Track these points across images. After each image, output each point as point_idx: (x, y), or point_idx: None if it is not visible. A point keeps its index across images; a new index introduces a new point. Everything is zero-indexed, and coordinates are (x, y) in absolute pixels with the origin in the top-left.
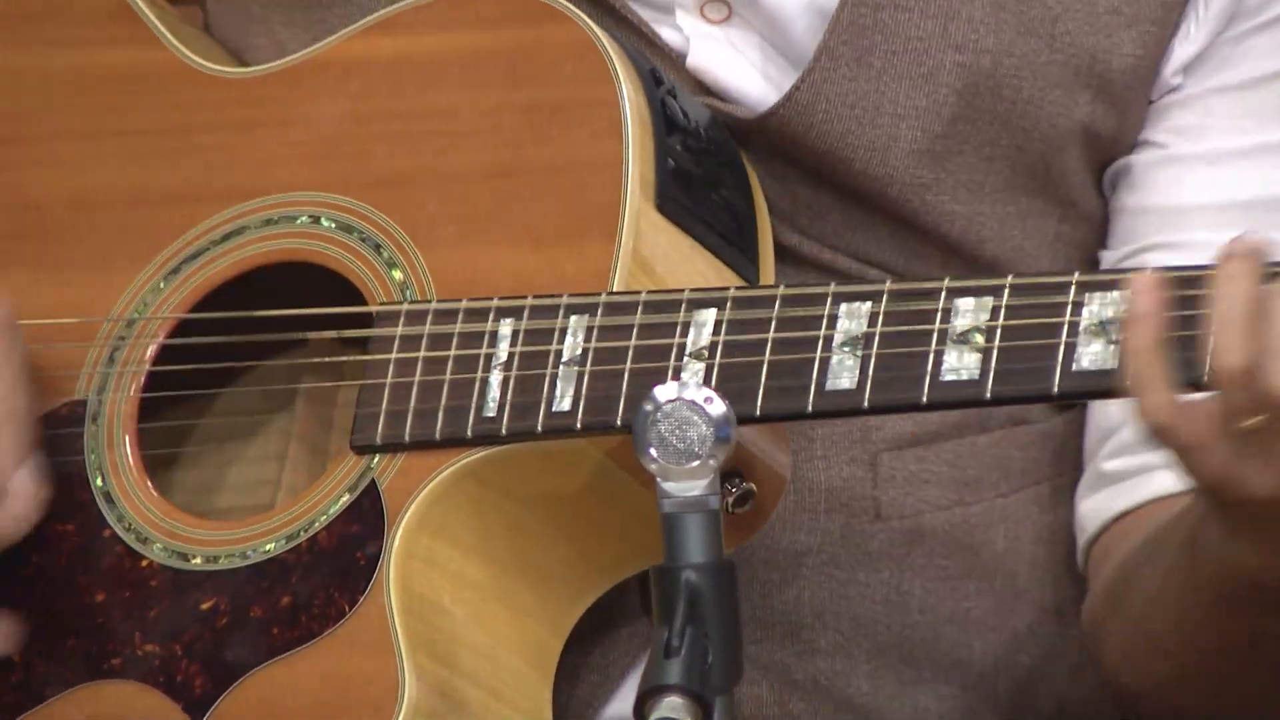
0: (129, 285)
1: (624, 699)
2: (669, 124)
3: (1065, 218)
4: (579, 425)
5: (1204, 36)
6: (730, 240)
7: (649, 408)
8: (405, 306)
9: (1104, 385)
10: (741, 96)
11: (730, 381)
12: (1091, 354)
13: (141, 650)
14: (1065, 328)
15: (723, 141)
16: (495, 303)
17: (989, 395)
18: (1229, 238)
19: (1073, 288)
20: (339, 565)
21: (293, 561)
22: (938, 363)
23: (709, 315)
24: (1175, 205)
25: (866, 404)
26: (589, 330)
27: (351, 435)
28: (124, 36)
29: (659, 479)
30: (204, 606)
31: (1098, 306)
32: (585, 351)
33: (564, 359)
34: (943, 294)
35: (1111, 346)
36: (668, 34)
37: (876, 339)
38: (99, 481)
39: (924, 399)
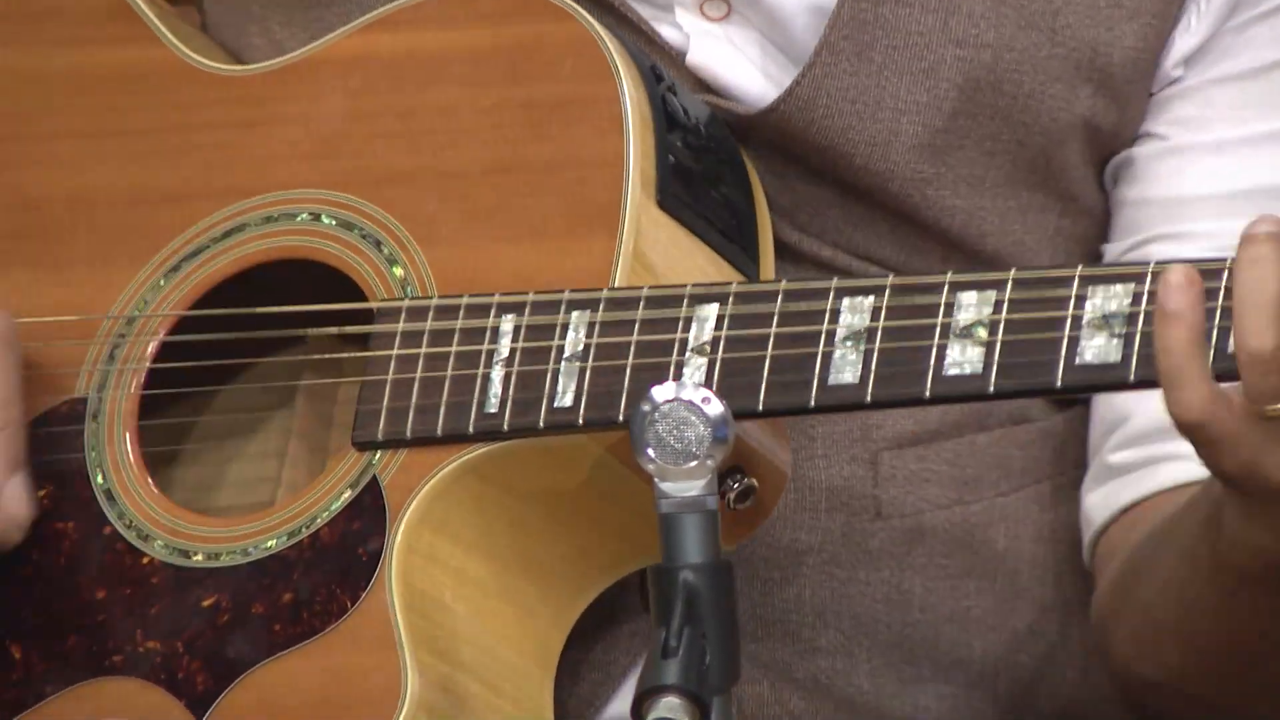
0: (129, 283)
1: (626, 698)
2: (669, 120)
3: (1066, 212)
4: (581, 421)
5: (1205, 28)
6: (731, 237)
7: (646, 408)
8: (406, 303)
9: (1107, 379)
10: (741, 94)
11: (732, 376)
12: (1094, 347)
13: (143, 647)
14: (1068, 321)
15: (722, 138)
16: (497, 298)
17: (992, 389)
18: (1232, 227)
19: (1075, 281)
20: (341, 562)
21: (294, 558)
22: (941, 357)
23: (711, 310)
24: (1177, 196)
25: (869, 398)
26: (591, 326)
27: (353, 431)
28: (124, 35)
29: (656, 479)
30: (205, 603)
31: (1100, 300)
32: (587, 347)
33: (566, 355)
34: (945, 288)
35: (1115, 340)
36: (667, 32)
37: (879, 333)
38: (99, 479)
39: (927, 393)
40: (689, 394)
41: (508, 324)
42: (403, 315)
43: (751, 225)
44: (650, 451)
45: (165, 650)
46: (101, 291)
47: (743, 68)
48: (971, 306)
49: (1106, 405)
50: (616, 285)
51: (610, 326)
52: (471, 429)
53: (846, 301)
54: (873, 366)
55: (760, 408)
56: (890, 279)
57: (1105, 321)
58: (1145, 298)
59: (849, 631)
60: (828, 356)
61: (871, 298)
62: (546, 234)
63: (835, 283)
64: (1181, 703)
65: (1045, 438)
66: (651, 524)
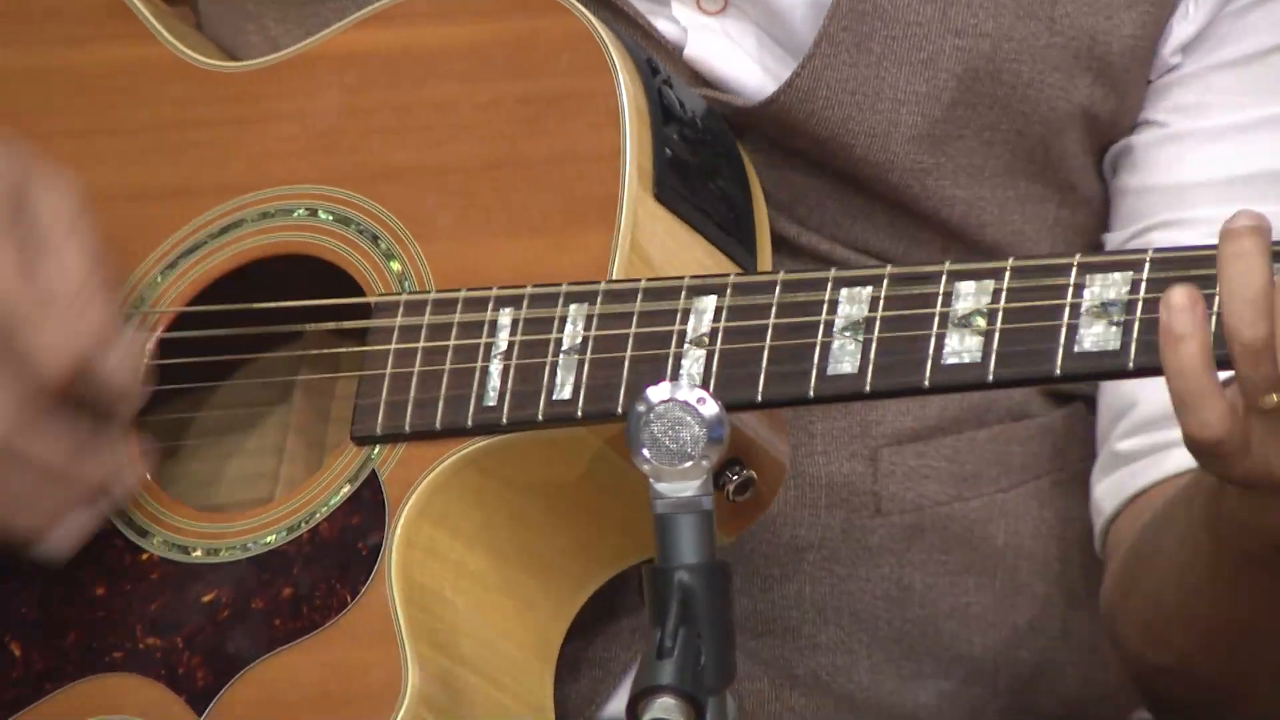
0: (126, 279)
1: (626, 695)
2: (666, 114)
3: (1065, 202)
4: (579, 413)
5: (1203, 15)
6: (728, 230)
7: (641, 408)
8: (404, 297)
9: (1106, 366)
10: (739, 87)
11: (731, 368)
12: (1093, 335)
13: (143, 643)
14: (1067, 309)
15: (719, 132)
16: (494, 292)
17: (991, 378)
18: (1233, 213)
19: (1074, 270)
20: (340, 556)
21: (294, 553)
22: (939, 346)
23: (709, 302)
24: (1177, 183)
25: (868, 388)
26: (589, 318)
27: (352, 426)
28: (120, 33)
29: (652, 480)
30: (205, 599)
31: (1099, 288)
32: (585, 340)
33: (564, 347)
34: (944, 278)
35: (1113, 328)
36: (664, 26)
37: (878, 323)
38: None
39: (926, 382)
40: (684, 394)
41: (505, 317)
42: (400, 310)
43: (748, 218)
44: (645, 452)
45: (165, 646)
46: None
47: (740, 61)
48: (970, 295)
49: (1113, 393)
50: (614, 278)
51: (608, 319)
52: (470, 422)
53: (845, 292)
54: (871, 356)
55: (759, 399)
56: (888, 269)
57: (1104, 309)
58: (1144, 285)
59: (849, 628)
60: (826, 347)
61: (870, 288)
62: (544, 228)
63: (833, 273)
64: (1190, 686)
65: (1044, 433)
66: (650, 517)
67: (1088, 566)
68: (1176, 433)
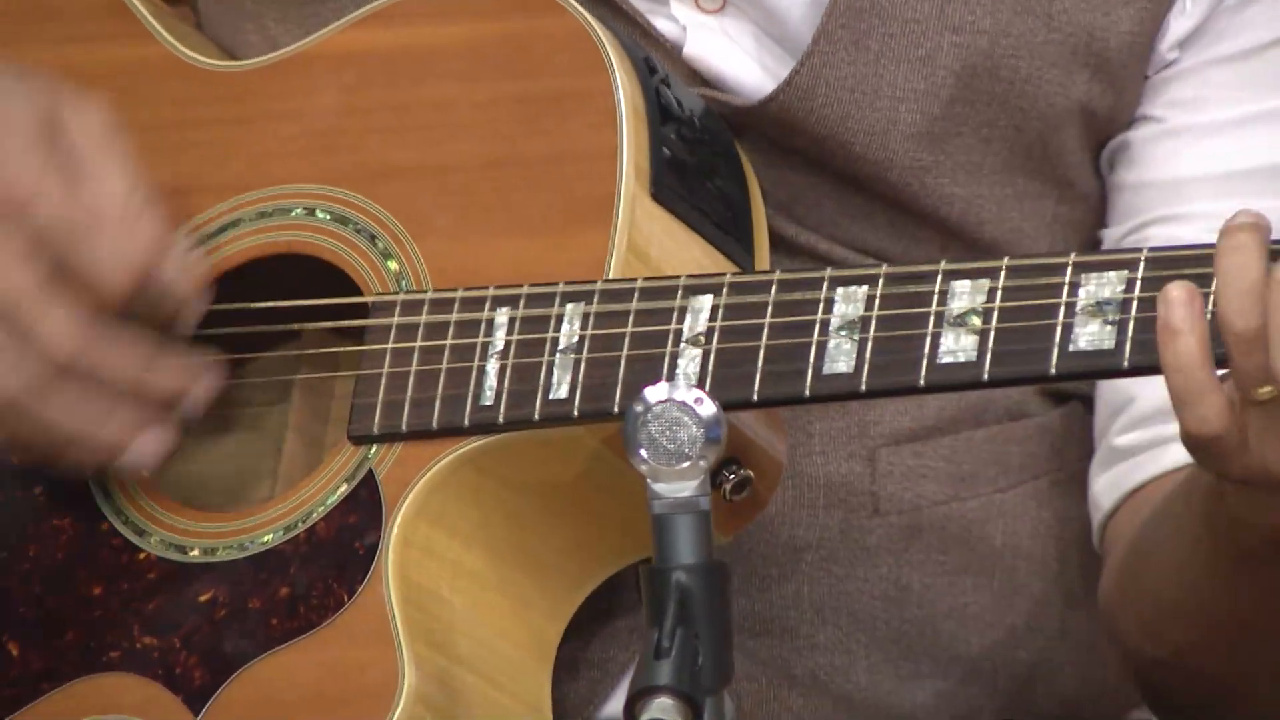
0: None
1: (624, 695)
2: (663, 113)
3: (1063, 198)
4: (576, 413)
5: (1201, 11)
6: (725, 229)
7: (639, 409)
8: (401, 296)
9: (1100, 365)
10: (738, 85)
11: (727, 367)
12: (1088, 334)
13: (140, 643)
14: (1062, 309)
15: (717, 131)
16: (491, 291)
17: (986, 377)
18: (1230, 208)
19: (1069, 269)
20: (337, 555)
21: (291, 552)
22: (935, 345)
23: (705, 301)
24: (1174, 178)
25: (864, 387)
26: (585, 317)
27: (349, 425)
28: (118, 33)
29: (649, 480)
30: (202, 598)
31: (1094, 287)
32: (582, 339)
33: (560, 347)
34: (939, 277)
35: (1108, 327)
36: (663, 24)
37: (873, 322)
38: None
39: (921, 381)
40: (681, 395)
41: (502, 317)
42: (397, 309)
43: (746, 217)
44: (643, 452)
45: (162, 646)
46: None
47: (739, 59)
48: (965, 294)
49: (1111, 388)
50: (610, 277)
51: (605, 318)
52: (467, 422)
53: (840, 291)
54: (867, 355)
55: (755, 398)
56: (884, 268)
57: (1099, 308)
58: (1138, 284)
59: (847, 628)
60: (822, 346)
61: (865, 287)
62: (541, 227)
63: (829, 272)
64: (1189, 682)
65: (1042, 433)
66: (647, 516)
67: (1086, 566)
68: (1174, 428)
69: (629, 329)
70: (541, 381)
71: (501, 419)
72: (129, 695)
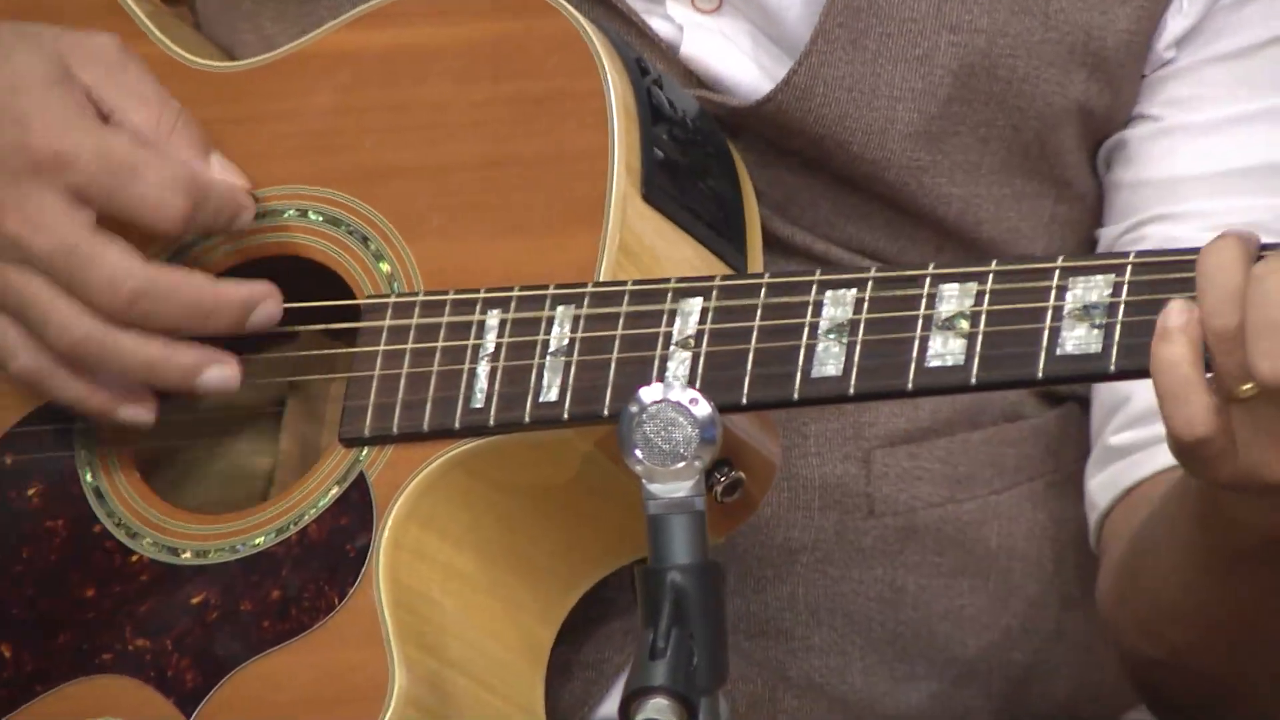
0: None
1: (618, 697)
2: (655, 114)
3: (1061, 198)
4: (566, 416)
5: (1198, 10)
6: (718, 230)
7: (634, 409)
8: (392, 299)
9: (1087, 369)
10: (734, 86)
11: (716, 370)
12: (1075, 338)
13: (132, 645)
14: (1049, 312)
15: (710, 131)
16: (482, 294)
17: (974, 381)
18: (1227, 206)
19: (1056, 272)
20: (328, 558)
21: (282, 555)
22: (923, 349)
23: (695, 304)
24: (1171, 176)
25: (852, 391)
26: (576, 320)
27: (340, 428)
28: (116, 33)
29: (644, 480)
30: (194, 601)
31: (1081, 291)
32: (572, 342)
33: (551, 349)
34: (927, 280)
35: (1095, 331)
36: (659, 24)
37: (862, 325)
38: (89, 477)
39: (909, 385)
40: (676, 395)
41: (493, 319)
42: (389, 311)
43: (739, 218)
44: (638, 453)
45: (154, 648)
46: None
47: (736, 59)
48: (953, 298)
49: (1107, 389)
50: (601, 279)
51: (595, 320)
52: (458, 424)
53: (829, 294)
54: (855, 359)
55: (744, 401)
56: (872, 271)
57: (1086, 312)
58: (1125, 288)
59: (842, 630)
60: (811, 349)
61: (854, 290)
62: (533, 229)
63: (818, 275)
64: (1189, 680)
65: (1038, 435)
66: (639, 518)
67: (1081, 568)
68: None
69: (619, 332)
70: (532, 384)
71: (492, 421)
72: (121, 697)
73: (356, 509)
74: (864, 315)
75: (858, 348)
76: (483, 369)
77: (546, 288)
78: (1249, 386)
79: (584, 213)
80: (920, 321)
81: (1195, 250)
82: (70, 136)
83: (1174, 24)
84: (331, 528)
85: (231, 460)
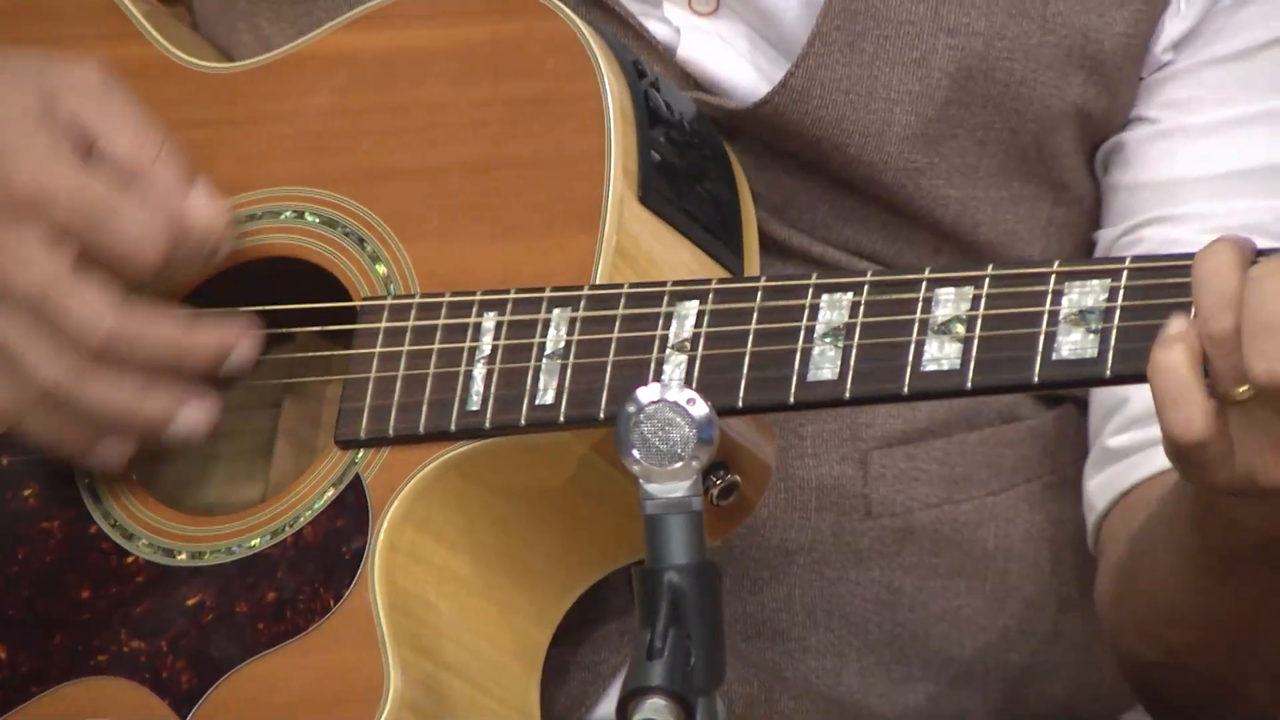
0: None
1: (614, 697)
2: (652, 116)
3: (1058, 201)
4: (562, 418)
5: (1195, 12)
6: (714, 232)
7: (631, 409)
8: (389, 300)
9: (1083, 374)
10: (731, 88)
11: (712, 373)
12: (1071, 343)
13: (128, 646)
14: (1045, 317)
15: (707, 134)
16: (479, 296)
17: (969, 385)
18: (1225, 208)
19: (1053, 277)
20: (324, 560)
21: (278, 557)
22: (919, 353)
23: (691, 307)
24: (1169, 179)
25: (848, 395)
26: (572, 323)
27: (336, 430)
28: (110, 33)
29: (642, 480)
30: (189, 602)
31: (1077, 296)
32: (568, 344)
33: (547, 352)
34: (924, 284)
35: (1091, 335)
36: (656, 27)
37: (858, 329)
38: (85, 478)
39: (905, 389)
40: (674, 395)
41: (490, 321)
42: (385, 313)
43: (736, 220)
44: (635, 453)
45: (150, 649)
46: None
47: (733, 61)
48: (950, 302)
49: (1106, 390)
50: (598, 282)
51: (591, 323)
52: (454, 427)
53: (825, 298)
54: (851, 363)
55: (740, 404)
56: (869, 275)
57: (1082, 317)
58: (1121, 293)
59: (839, 631)
60: (807, 353)
61: (850, 294)
62: (529, 231)
63: (814, 279)
64: (1188, 682)
65: (1035, 436)
66: (635, 521)
67: (1079, 569)
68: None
69: (615, 335)
70: (528, 387)
71: (488, 424)
72: (117, 699)
73: (352, 511)
74: (860, 319)
75: (854, 352)
76: (479, 371)
77: (543, 290)
78: (1245, 389)
79: (581, 215)
80: (916, 326)
81: (1190, 255)
82: (51, 176)
83: (1172, 26)
84: (327, 530)
85: (227, 462)
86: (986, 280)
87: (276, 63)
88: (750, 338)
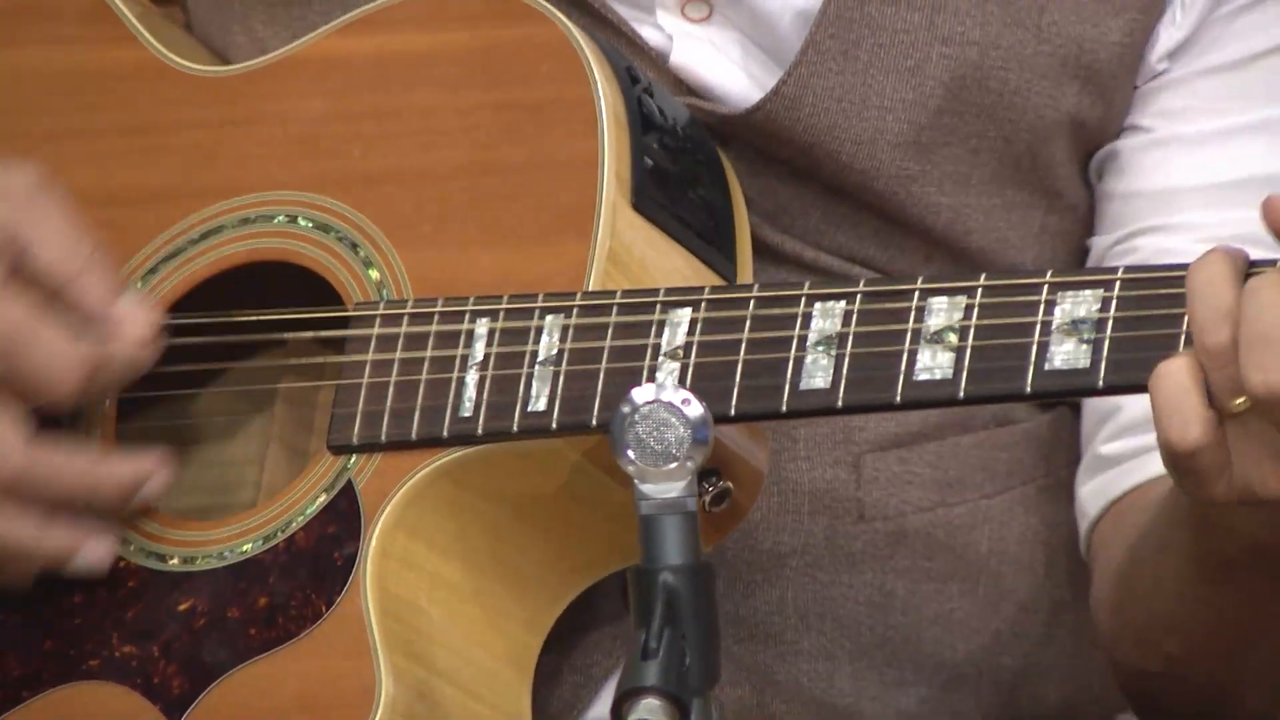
0: None
1: (606, 701)
2: (645, 122)
3: (1051, 209)
4: (554, 425)
5: (1191, 21)
6: (708, 239)
7: (626, 410)
8: (381, 307)
9: (1075, 384)
10: (724, 95)
11: (705, 381)
12: (1064, 353)
13: (119, 651)
14: (1038, 327)
15: (701, 140)
16: (471, 302)
17: (962, 395)
18: (1220, 218)
19: (1045, 287)
20: (316, 566)
21: (270, 562)
22: (911, 362)
23: (684, 315)
24: (1164, 188)
25: (840, 404)
26: (564, 330)
27: (328, 435)
28: (102, 36)
29: (636, 481)
30: (181, 607)
31: (1069, 306)
32: (561, 351)
33: (540, 359)
34: (916, 293)
35: (1083, 346)
36: (649, 33)
37: (850, 338)
38: None
39: (897, 399)
40: (669, 395)
41: (482, 328)
42: (378, 319)
43: (729, 227)
44: (630, 453)
45: (141, 654)
46: None
47: (725, 68)
48: (942, 311)
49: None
50: (591, 289)
51: (584, 330)
52: (446, 433)
53: (818, 306)
54: (843, 371)
55: (732, 413)
56: (862, 284)
57: (1074, 327)
58: (1114, 303)
59: (831, 634)
60: (799, 361)
61: (843, 303)
62: (522, 237)
63: (807, 287)
64: (1184, 690)
65: (1029, 440)
66: (627, 527)
67: (1072, 572)
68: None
69: (608, 342)
70: (520, 393)
71: (480, 430)
72: (108, 704)
73: (344, 517)
74: (853, 328)
75: (846, 360)
76: (471, 378)
77: (535, 297)
78: (1241, 401)
79: (574, 221)
80: (909, 335)
81: (1184, 266)
82: None
83: (1166, 36)
84: (319, 535)
85: (220, 467)
86: (979, 290)
87: (270, 66)
88: (743, 346)
